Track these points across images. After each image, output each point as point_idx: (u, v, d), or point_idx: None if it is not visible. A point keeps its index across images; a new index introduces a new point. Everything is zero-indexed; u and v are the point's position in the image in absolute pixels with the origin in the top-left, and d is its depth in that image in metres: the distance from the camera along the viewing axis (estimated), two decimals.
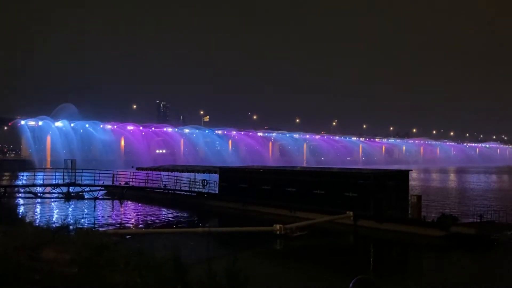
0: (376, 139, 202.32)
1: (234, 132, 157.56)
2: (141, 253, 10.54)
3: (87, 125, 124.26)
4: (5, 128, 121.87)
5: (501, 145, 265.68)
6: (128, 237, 22.89)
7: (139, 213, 35.55)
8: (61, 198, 38.97)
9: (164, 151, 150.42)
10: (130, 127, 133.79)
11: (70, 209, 35.44)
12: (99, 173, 42.61)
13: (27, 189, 39.39)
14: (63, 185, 39.39)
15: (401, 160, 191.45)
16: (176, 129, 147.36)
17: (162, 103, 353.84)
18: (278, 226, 24.37)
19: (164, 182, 43.66)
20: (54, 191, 39.53)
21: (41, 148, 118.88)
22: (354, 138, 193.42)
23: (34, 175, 41.99)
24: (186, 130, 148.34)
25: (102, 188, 41.97)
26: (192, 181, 42.11)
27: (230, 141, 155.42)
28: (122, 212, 35.45)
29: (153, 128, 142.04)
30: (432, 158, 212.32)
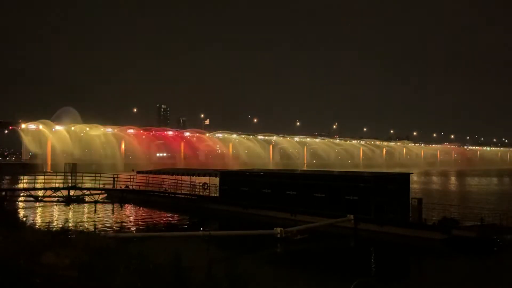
0: (377, 142, 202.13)
1: (235, 135, 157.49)
2: (142, 256, 10.52)
3: (87, 129, 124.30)
4: (6, 131, 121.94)
5: (502, 148, 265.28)
6: (128, 240, 22.82)
7: (139, 217, 35.49)
8: (62, 201, 38.98)
9: (164, 154, 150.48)
10: (130, 131, 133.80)
11: (71, 212, 35.37)
12: (100, 176, 42.65)
13: (28, 192, 39.42)
14: (63, 188, 39.41)
15: (401, 163, 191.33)
16: (176, 132, 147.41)
17: (163, 106, 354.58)
18: (278, 230, 24.32)
19: (164, 186, 43.63)
20: (54, 194, 39.55)
21: (42, 151, 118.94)
22: (354, 141, 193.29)
23: (35, 179, 41.91)
24: (187, 134, 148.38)
25: (103, 191, 41.97)
26: (193, 185, 42.08)
27: (230, 144, 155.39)
28: (123, 216, 35.39)
29: (153, 132, 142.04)
30: (432, 161, 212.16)
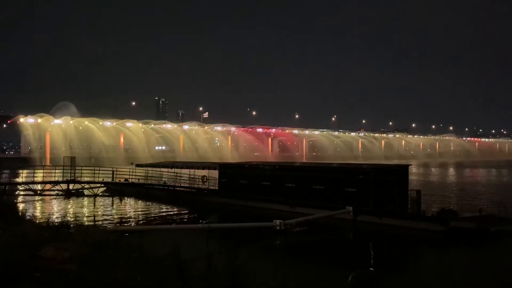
0: (376, 134, 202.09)
1: (234, 128, 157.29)
2: (141, 249, 10.56)
3: (86, 122, 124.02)
4: (4, 125, 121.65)
5: (500, 139, 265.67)
6: (127, 234, 22.90)
7: (138, 210, 35.55)
8: (61, 195, 39.02)
9: (163, 147, 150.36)
10: (129, 124, 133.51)
11: (70, 206, 35.42)
12: (99, 170, 42.65)
13: (27, 186, 39.43)
14: (62, 182, 39.44)
15: (400, 155, 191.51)
16: (175, 126, 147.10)
17: (161, 99, 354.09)
18: (278, 222, 24.40)
19: (163, 179, 43.65)
20: (54, 188, 39.57)
21: (41, 145, 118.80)
22: (353, 134, 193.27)
23: (34, 173, 41.91)
24: (186, 127, 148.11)
25: (102, 185, 41.99)
26: (192, 178, 42.10)
27: (229, 137, 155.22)
28: (122, 209, 35.46)
29: (152, 125, 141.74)
30: (431, 153, 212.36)
